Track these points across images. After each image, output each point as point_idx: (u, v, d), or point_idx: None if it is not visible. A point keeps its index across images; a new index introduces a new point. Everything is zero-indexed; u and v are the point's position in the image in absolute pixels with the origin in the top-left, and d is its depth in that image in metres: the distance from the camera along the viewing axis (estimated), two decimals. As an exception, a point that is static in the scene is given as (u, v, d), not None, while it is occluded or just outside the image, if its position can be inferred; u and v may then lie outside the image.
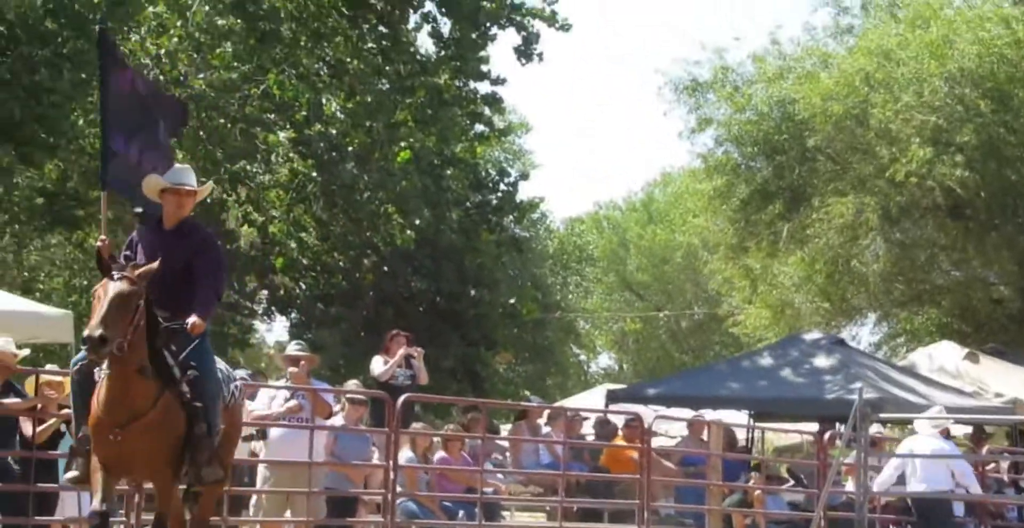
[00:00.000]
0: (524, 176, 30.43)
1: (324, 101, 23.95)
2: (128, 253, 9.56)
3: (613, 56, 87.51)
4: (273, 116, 23.40)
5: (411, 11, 23.83)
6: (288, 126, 23.81)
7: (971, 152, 25.62)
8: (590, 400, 25.97)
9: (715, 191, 29.32)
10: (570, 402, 27.34)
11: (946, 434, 16.07)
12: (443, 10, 23.48)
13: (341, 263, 27.22)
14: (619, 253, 54.90)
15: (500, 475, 15.77)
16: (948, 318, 30.15)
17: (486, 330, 29.59)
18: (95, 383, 8.93)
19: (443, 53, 23.66)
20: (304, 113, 23.41)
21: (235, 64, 22.33)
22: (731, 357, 31.68)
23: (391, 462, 13.34)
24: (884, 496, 16.33)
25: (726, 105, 28.87)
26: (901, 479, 15.52)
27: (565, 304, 49.56)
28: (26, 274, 29.29)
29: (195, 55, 22.32)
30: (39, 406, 11.65)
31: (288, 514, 13.70)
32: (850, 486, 16.12)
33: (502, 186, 28.02)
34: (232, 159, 23.28)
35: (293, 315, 30.60)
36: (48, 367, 14.50)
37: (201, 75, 22.46)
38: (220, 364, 9.71)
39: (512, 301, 31.10)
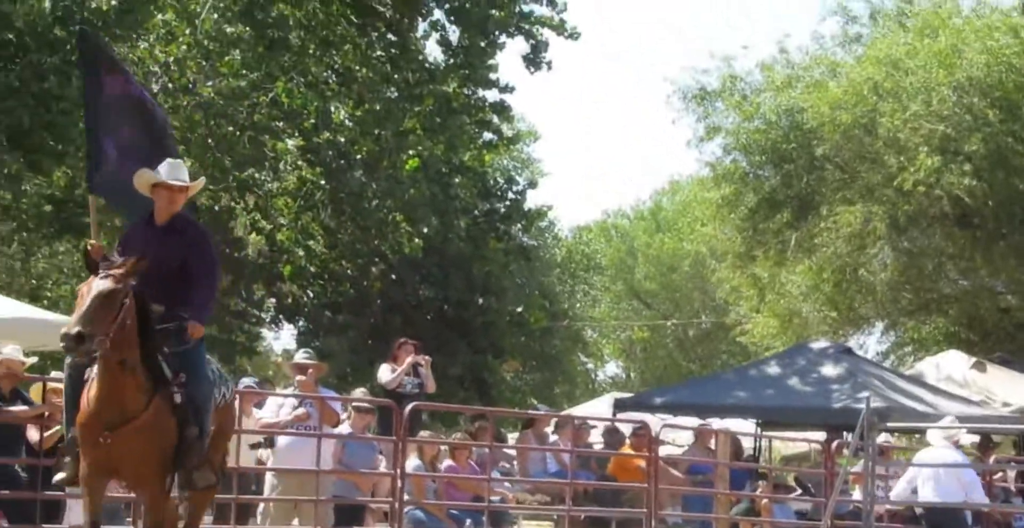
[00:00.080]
0: (532, 184, 30.58)
1: (332, 109, 23.96)
2: (120, 251, 9.39)
3: (621, 64, 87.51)
4: (281, 124, 23.42)
5: (420, 19, 23.86)
6: (296, 134, 23.83)
7: (979, 161, 25.60)
8: (597, 408, 25.90)
9: (723, 200, 29.26)
10: (577, 410, 27.28)
11: (955, 444, 16.02)
12: (452, 18, 23.46)
13: (349, 271, 27.24)
14: (627, 261, 54.86)
15: (507, 483, 15.73)
16: (955, 327, 30.07)
17: (493, 338, 29.62)
18: (85, 383, 8.79)
19: (452, 61, 23.63)
20: (312, 121, 23.43)
21: (244, 72, 22.33)
22: (738, 366, 31.66)
23: (398, 470, 13.32)
24: (890, 505, 16.28)
25: (734, 113, 28.83)
26: (914, 492, 15.44)
27: (573, 312, 49.54)
28: (34, 282, 29.33)
29: (204, 63, 22.33)
30: (46, 413, 11.63)
31: (296, 522, 13.71)
32: (857, 495, 16.10)
33: (510, 194, 28.09)
34: (240, 167, 23.30)
35: (301, 323, 30.67)
36: (55, 374, 14.49)
37: (210, 83, 22.48)
38: (212, 365, 9.54)
39: (520, 309, 31.13)
